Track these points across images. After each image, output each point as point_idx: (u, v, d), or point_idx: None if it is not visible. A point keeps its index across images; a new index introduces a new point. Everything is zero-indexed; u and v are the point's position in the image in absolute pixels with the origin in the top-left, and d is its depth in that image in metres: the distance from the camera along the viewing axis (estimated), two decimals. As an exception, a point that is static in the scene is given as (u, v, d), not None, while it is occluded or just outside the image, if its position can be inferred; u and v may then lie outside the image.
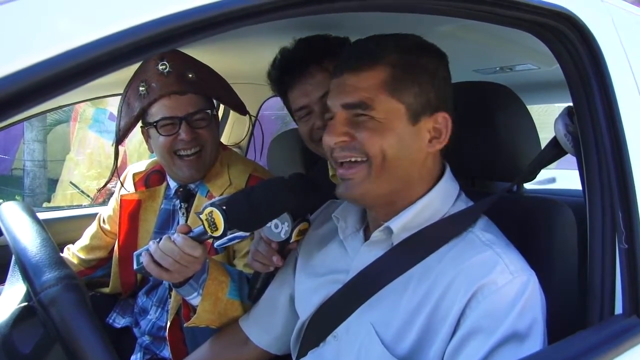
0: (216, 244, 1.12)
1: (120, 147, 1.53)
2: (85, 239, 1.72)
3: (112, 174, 1.55)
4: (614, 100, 0.91)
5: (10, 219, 0.88)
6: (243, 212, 1.06)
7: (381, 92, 0.92)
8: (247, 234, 1.11)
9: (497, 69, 1.80)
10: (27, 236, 0.80)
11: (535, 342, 0.83)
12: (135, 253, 1.24)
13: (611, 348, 0.80)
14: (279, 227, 1.12)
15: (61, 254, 1.69)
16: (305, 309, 1.09)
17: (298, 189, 1.11)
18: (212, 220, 1.05)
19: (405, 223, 0.96)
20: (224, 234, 1.05)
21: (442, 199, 0.98)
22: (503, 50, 1.53)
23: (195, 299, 1.22)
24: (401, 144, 0.93)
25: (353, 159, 0.94)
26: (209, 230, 1.06)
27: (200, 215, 1.08)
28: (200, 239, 1.11)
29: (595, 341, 0.80)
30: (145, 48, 0.55)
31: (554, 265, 1.01)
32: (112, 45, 0.53)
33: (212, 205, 1.05)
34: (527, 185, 2.63)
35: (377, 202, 0.99)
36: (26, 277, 0.72)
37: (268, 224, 1.13)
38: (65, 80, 0.51)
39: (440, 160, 0.99)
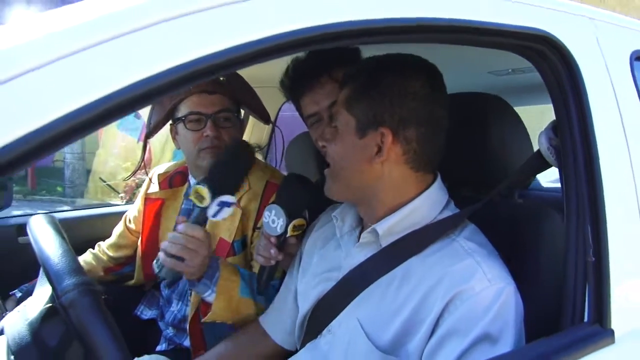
0: (209, 213, 1.26)
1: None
2: (113, 237, 1.84)
3: (139, 167, 1.67)
4: (589, 119, 0.95)
5: (37, 232, 1.00)
6: (220, 176, 1.31)
7: (343, 106, 1.06)
8: (233, 199, 1.28)
9: (510, 70, 1.84)
10: (50, 247, 0.91)
11: (506, 345, 0.89)
12: (154, 262, 1.37)
13: (569, 354, 0.86)
14: (275, 223, 1.23)
15: (85, 253, 1.82)
16: (305, 304, 1.18)
17: (299, 194, 1.26)
18: (200, 195, 1.25)
19: (390, 226, 1.04)
20: (212, 202, 1.25)
21: (428, 207, 1.05)
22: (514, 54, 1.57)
23: (210, 296, 1.34)
24: (347, 153, 1.04)
25: (328, 162, 1.10)
26: (199, 204, 1.25)
27: (190, 196, 1.26)
28: (197, 220, 1.28)
29: (556, 346, 0.86)
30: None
31: (541, 272, 1.05)
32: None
33: (196, 184, 1.24)
34: (544, 183, 2.64)
35: (349, 201, 1.14)
36: (50, 282, 0.83)
37: (266, 220, 1.24)
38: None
39: (414, 172, 1.04)
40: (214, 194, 1.26)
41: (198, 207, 1.26)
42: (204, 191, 1.25)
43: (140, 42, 0.63)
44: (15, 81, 0.55)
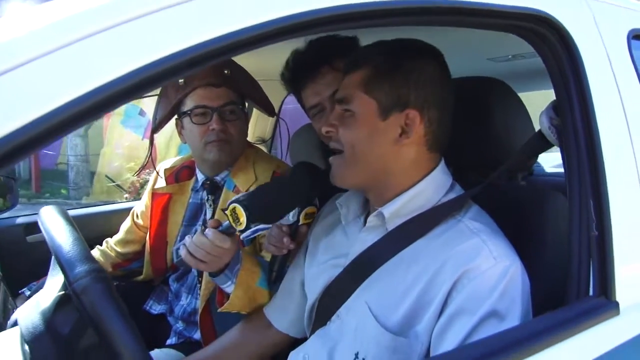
0: (242, 236, 1.20)
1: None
2: (120, 233, 1.86)
3: (146, 162, 1.69)
4: (589, 100, 0.97)
5: (48, 221, 1.01)
6: (262, 207, 1.15)
7: (359, 89, 1.04)
8: (269, 225, 1.21)
9: (510, 56, 1.84)
10: (61, 236, 0.92)
11: (514, 321, 0.90)
12: (174, 248, 1.33)
13: (576, 325, 0.87)
14: None
15: (92, 250, 1.83)
16: (313, 292, 1.19)
17: (308, 181, 1.22)
18: (236, 215, 1.14)
19: (396, 209, 1.04)
20: (247, 227, 1.14)
21: (433, 189, 1.06)
22: (514, 39, 1.58)
23: (229, 287, 1.32)
24: (370, 138, 1.03)
25: (337, 148, 1.07)
26: (233, 225, 1.15)
27: (226, 212, 1.17)
28: (228, 232, 1.19)
29: (562, 319, 0.87)
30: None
31: (547, 251, 1.06)
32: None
33: (235, 201, 1.15)
34: (547, 169, 2.64)
35: (362, 187, 1.11)
36: (62, 270, 0.84)
37: None
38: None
39: (428, 153, 1.06)
40: (252, 220, 1.15)
41: (230, 224, 1.17)
42: (242, 216, 1.13)
43: (133, 32, 0.64)
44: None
